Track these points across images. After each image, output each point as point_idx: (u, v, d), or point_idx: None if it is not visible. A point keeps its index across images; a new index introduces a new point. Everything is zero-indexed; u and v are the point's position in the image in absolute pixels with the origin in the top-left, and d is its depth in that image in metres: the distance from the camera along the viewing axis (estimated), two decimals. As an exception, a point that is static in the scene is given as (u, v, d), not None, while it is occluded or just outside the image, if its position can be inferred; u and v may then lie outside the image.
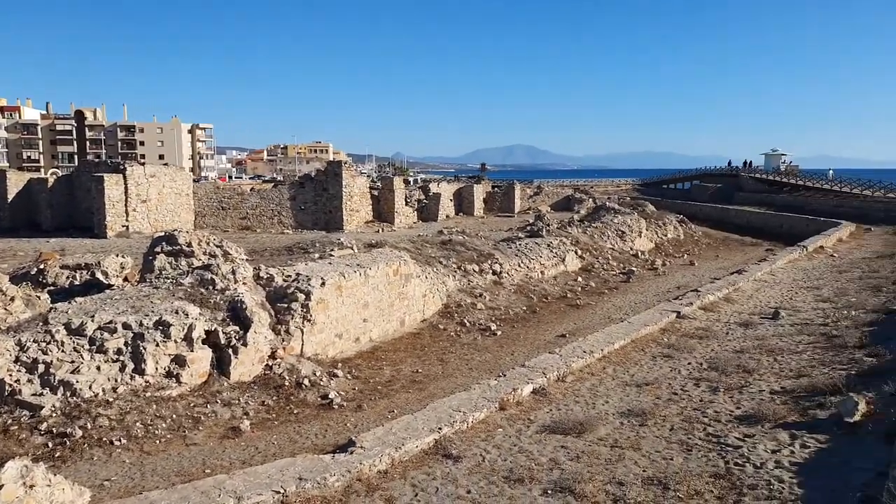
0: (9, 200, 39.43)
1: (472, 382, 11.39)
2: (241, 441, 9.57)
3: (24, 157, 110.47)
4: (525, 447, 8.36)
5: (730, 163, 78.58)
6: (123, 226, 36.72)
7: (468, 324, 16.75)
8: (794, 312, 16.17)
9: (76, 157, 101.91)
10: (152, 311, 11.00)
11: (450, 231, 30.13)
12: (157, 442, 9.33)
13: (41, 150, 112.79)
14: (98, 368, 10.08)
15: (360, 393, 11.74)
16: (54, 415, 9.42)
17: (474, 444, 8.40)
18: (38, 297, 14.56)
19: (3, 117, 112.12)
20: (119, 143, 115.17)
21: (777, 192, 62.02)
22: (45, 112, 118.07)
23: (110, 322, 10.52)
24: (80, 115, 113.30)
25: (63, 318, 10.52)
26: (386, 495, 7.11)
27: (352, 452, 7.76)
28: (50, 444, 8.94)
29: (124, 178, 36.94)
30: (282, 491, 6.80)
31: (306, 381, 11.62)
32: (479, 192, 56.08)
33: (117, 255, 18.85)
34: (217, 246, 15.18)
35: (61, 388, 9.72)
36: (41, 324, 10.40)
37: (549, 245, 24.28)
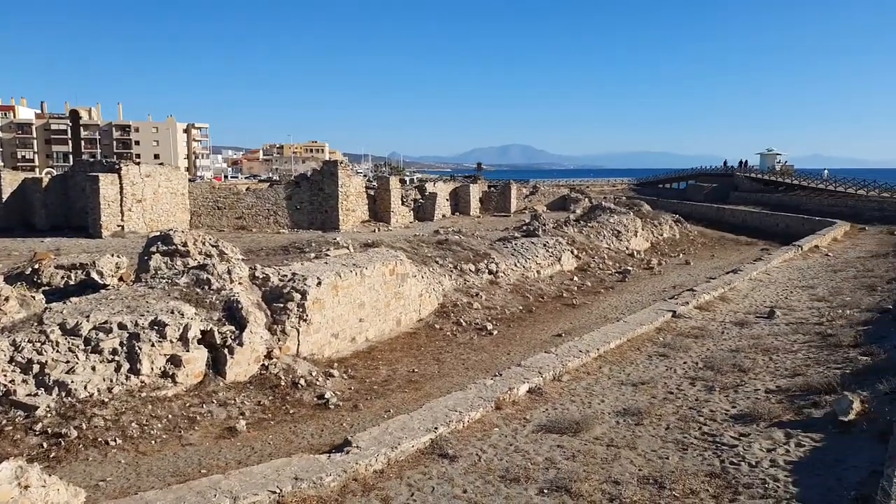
0: (3, 200, 39.25)
1: (468, 382, 11.39)
2: (237, 441, 9.56)
3: (19, 156, 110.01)
4: (521, 446, 8.37)
5: (725, 162, 78.69)
6: (119, 225, 36.58)
7: (464, 323, 16.75)
8: (789, 312, 16.22)
9: (71, 156, 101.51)
10: (148, 311, 10.98)
11: (446, 231, 30.14)
12: (153, 442, 9.31)
13: (36, 150, 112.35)
14: (93, 368, 10.05)
15: (357, 393, 11.74)
16: (49, 415, 9.39)
17: (470, 444, 8.40)
18: (33, 298, 14.50)
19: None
20: (114, 142, 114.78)
21: (772, 192, 62.20)
22: (39, 111, 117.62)
23: (105, 322, 10.49)
24: (74, 115, 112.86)
25: (58, 318, 10.49)
26: (382, 495, 7.11)
27: (348, 452, 7.76)
28: (45, 445, 8.92)
29: (119, 177, 36.79)
30: (278, 491, 6.80)
31: (302, 381, 11.61)
32: (476, 191, 56.06)
33: (112, 255, 18.78)
34: (213, 246, 15.14)
35: (56, 389, 9.69)
36: (36, 324, 10.37)
37: (545, 245, 24.30)
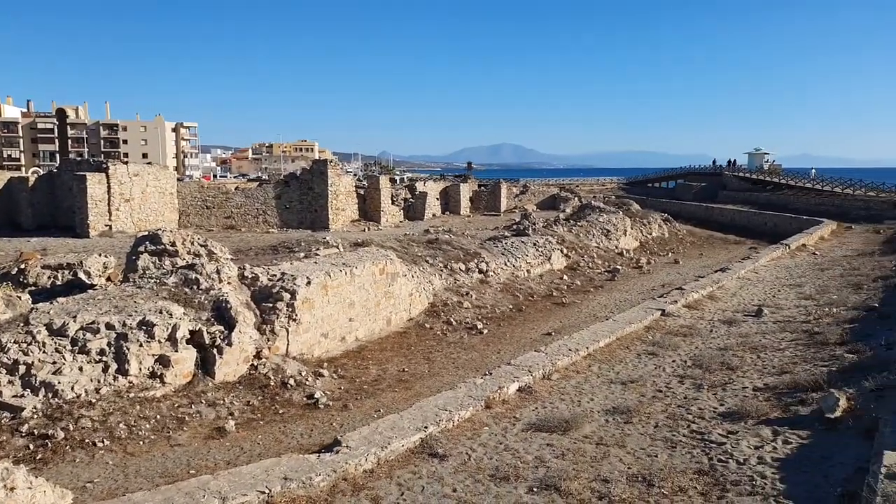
0: (-11, 199, 38.91)
1: (458, 381, 11.40)
2: (226, 441, 9.51)
3: (5, 155, 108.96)
4: (511, 445, 8.38)
5: (714, 161, 79.11)
6: (106, 225, 36.31)
7: (454, 322, 16.76)
8: (776, 310, 16.34)
9: (58, 155, 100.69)
10: (136, 311, 10.91)
11: (436, 230, 30.12)
12: (141, 443, 9.25)
13: (22, 149, 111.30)
14: (80, 369, 9.97)
15: (346, 392, 11.72)
16: (36, 416, 9.31)
17: (460, 443, 8.41)
18: (19, 298, 14.36)
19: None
20: (101, 141, 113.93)
21: (760, 191, 62.60)
22: (25, 110, 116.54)
23: (93, 322, 10.41)
24: (61, 114, 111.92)
25: (44, 318, 10.40)
26: (372, 494, 7.10)
27: (337, 452, 7.75)
28: (31, 446, 8.83)
29: (107, 176, 36.50)
30: (267, 491, 6.78)
31: (292, 381, 11.58)
32: (466, 190, 56.08)
33: (100, 255, 18.65)
34: (201, 245, 15.06)
35: (43, 390, 9.60)
36: (22, 324, 10.27)
37: (535, 244, 24.35)
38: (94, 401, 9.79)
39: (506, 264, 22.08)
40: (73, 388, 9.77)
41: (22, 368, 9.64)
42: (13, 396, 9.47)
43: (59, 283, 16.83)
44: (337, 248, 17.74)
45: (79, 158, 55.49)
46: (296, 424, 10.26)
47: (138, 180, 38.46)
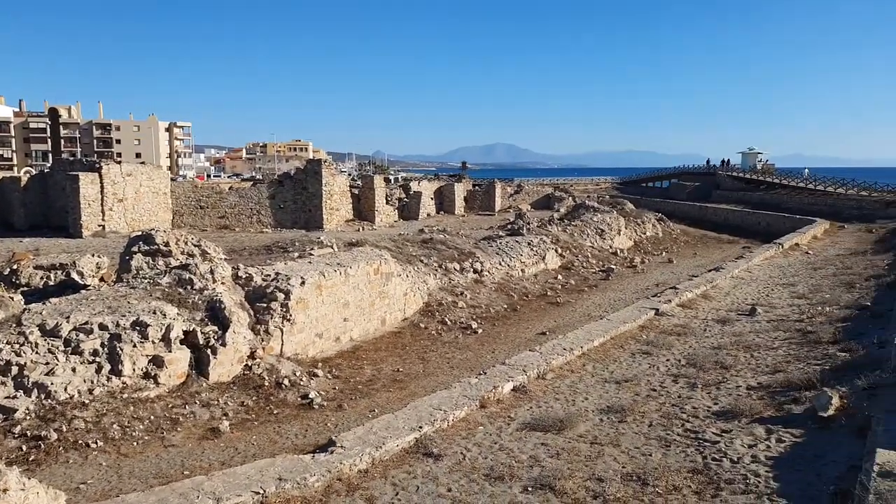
0: (-19, 200, 38.69)
1: (452, 381, 11.40)
2: (221, 442, 9.49)
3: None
4: (505, 445, 8.39)
5: (708, 161, 79.36)
6: (99, 225, 36.16)
7: (449, 322, 16.76)
8: (770, 309, 16.41)
9: (50, 155, 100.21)
10: (129, 312, 10.86)
11: (431, 230, 30.12)
12: (135, 444, 9.22)
13: (14, 149, 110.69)
14: (73, 370, 9.93)
15: (341, 392, 11.70)
16: (28, 417, 9.27)
17: (455, 443, 8.41)
18: (12, 298, 14.30)
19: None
20: (94, 141, 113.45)
21: (754, 191, 62.84)
22: (17, 109, 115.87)
23: (86, 323, 10.37)
24: (54, 113, 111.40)
25: (37, 319, 10.35)
26: (366, 495, 7.10)
27: (332, 452, 7.74)
28: (24, 448, 8.79)
29: (100, 176, 36.36)
30: (261, 491, 6.76)
31: (286, 381, 11.55)
32: (460, 190, 56.12)
33: (93, 255, 18.58)
34: (195, 245, 15.03)
35: (35, 391, 9.56)
36: (14, 325, 10.22)
37: (529, 243, 24.38)
38: (87, 402, 9.75)
39: (500, 264, 22.10)
40: (66, 389, 9.73)
41: (14, 369, 9.59)
42: (6, 398, 9.42)
43: (51, 283, 16.76)
44: (331, 247, 17.72)
45: (71, 158, 55.19)
46: (290, 425, 10.24)
47: (132, 180, 38.32)
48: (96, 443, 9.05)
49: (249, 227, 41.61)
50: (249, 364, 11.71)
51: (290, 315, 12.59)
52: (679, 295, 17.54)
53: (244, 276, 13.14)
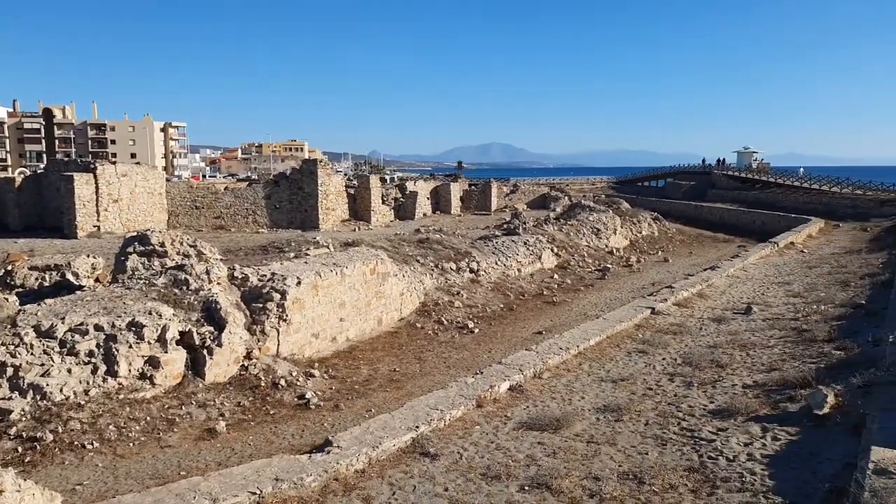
0: (-25, 200, 38.55)
1: (449, 380, 11.40)
2: (217, 442, 9.47)
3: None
4: (502, 444, 8.40)
5: (703, 160, 79.47)
6: (94, 226, 36.06)
7: (446, 322, 16.76)
8: (765, 307, 16.46)
9: (45, 155, 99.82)
10: (125, 313, 10.84)
11: (427, 229, 30.11)
12: (131, 445, 9.20)
13: (8, 149, 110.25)
14: (69, 371, 9.90)
15: (338, 392, 11.69)
16: (24, 419, 9.24)
17: (452, 442, 8.42)
18: (6, 300, 14.23)
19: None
20: (89, 141, 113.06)
21: (749, 189, 62.99)
22: (11, 110, 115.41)
23: (81, 324, 10.34)
24: (48, 113, 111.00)
25: (32, 320, 10.31)
26: (363, 494, 7.10)
27: (329, 452, 7.74)
28: (20, 449, 8.77)
29: (95, 177, 36.26)
30: (258, 492, 6.76)
31: (282, 382, 11.54)
32: (456, 190, 56.11)
33: (88, 256, 18.51)
34: (191, 246, 14.98)
35: (31, 392, 9.53)
36: (9, 326, 10.18)
37: (525, 243, 24.40)
38: (83, 403, 9.73)
39: (497, 263, 22.11)
40: (61, 390, 9.70)
41: (10, 371, 9.56)
42: (1, 399, 9.39)
43: (46, 284, 16.69)
44: (327, 247, 17.70)
45: (66, 159, 55.07)
46: (287, 425, 10.23)
47: (127, 180, 38.23)
48: (92, 444, 9.03)
49: (245, 227, 41.55)
50: (246, 364, 11.69)
51: (287, 315, 12.58)
52: (675, 294, 17.57)
53: (240, 277, 13.12)
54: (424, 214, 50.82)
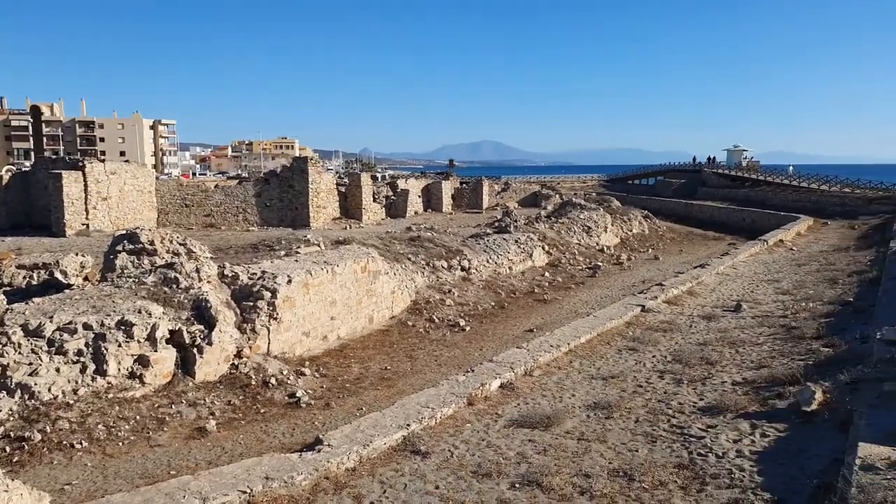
0: (-39, 198, 38.19)
1: (440, 378, 11.41)
2: (207, 441, 9.44)
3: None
4: (493, 442, 8.42)
5: (694, 159, 79.79)
6: (83, 224, 35.80)
7: (437, 320, 16.76)
8: (755, 305, 16.56)
9: (32, 153, 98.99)
10: (114, 311, 10.77)
11: (418, 227, 30.08)
12: (120, 444, 9.15)
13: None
14: (57, 370, 9.83)
15: (328, 391, 11.68)
16: (12, 418, 9.17)
17: (442, 440, 8.43)
18: (-6, 298, 14.12)
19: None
20: (78, 139, 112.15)
21: (739, 188, 63.29)
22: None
23: (70, 322, 10.27)
24: (36, 111, 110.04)
25: (20, 319, 10.23)
26: (354, 493, 7.09)
27: (319, 451, 7.72)
28: (7, 449, 8.70)
29: (83, 175, 35.97)
30: (248, 491, 6.74)
31: (273, 380, 11.51)
32: (448, 188, 56.10)
33: (77, 254, 18.37)
34: (180, 244, 14.90)
35: (19, 391, 9.46)
36: (-3, 325, 10.10)
37: (516, 241, 24.43)
38: (71, 402, 9.66)
39: (488, 261, 22.13)
40: (49, 390, 9.63)
41: (-3, 370, 9.48)
42: (-12, 398, 9.32)
43: (34, 283, 16.55)
44: (318, 246, 17.66)
45: (54, 156, 54.58)
46: (277, 423, 10.21)
47: (116, 178, 37.96)
48: (81, 443, 8.97)
49: (235, 225, 41.37)
50: (236, 363, 11.65)
51: (277, 314, 12.54)
52: (665, 291, 17.65)
53: (230, 275, 13.07)
54: (416, 212, 50.77)
